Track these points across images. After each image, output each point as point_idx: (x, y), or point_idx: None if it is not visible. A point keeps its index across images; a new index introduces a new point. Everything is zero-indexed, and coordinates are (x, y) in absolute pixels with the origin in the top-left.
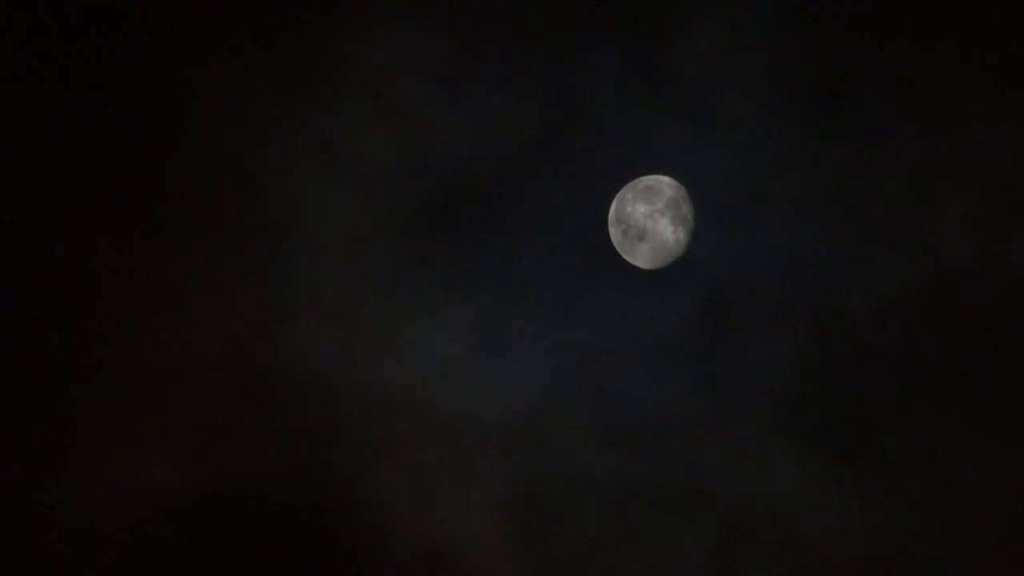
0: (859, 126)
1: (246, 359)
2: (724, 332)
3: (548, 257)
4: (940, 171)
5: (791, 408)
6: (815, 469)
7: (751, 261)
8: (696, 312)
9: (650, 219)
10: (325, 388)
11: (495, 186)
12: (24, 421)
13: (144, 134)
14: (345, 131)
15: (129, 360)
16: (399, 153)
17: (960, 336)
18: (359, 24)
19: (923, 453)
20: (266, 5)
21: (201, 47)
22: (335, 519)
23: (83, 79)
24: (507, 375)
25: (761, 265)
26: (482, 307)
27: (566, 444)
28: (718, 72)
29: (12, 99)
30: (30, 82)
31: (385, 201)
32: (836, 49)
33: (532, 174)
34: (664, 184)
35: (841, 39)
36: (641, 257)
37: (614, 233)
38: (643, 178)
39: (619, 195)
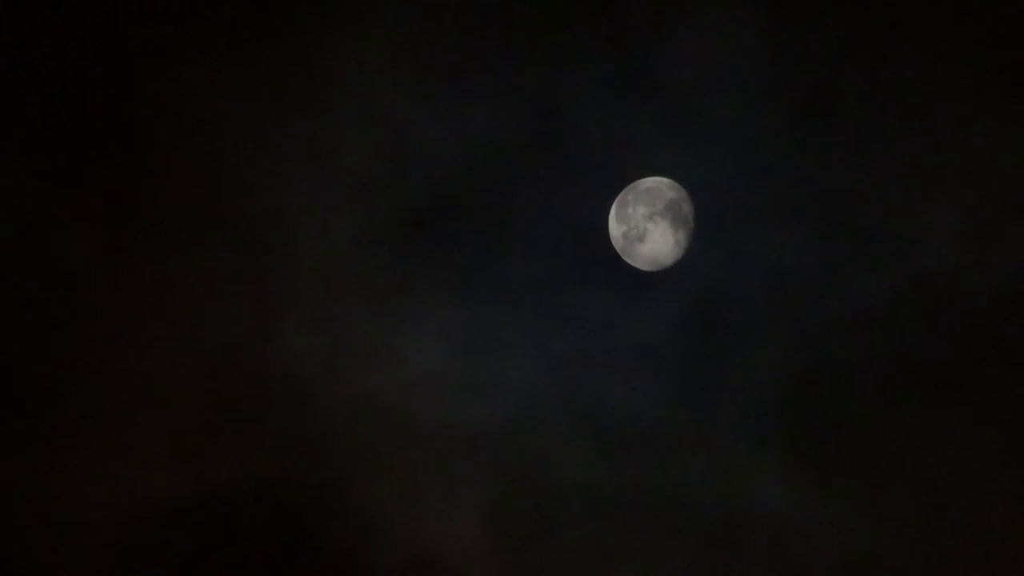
0: (844, 134)
1: (233, 365)
2: (710, 339)
3: (534, 265)
4: (926, 179)
5: (777, 415)
6: (801, 476)
7: (737, 269)
8: (683, 319)
9: (639, 228)
10: (312, 394)
11: (481, 194)
12: (13, 424)
13: (134, 141)
14: (333, 139)
15: (118, 365)
16: (387, 160)
17: (946, 343)
18: (347, 33)
19: (909, 460)
20: (255, 15)
21: (190, 55)
22: (321, 524)
23: (74, 88)
24: (493, 382)
25: (746, 273)
26: (468, 314)
27: (551, 451)
28: (703, 81)
29: (3, 103)
30: (21, 90)
31: (373, 208)
32: (821, 58)
33: (518, 182)
34: (656, 186)
35: (826, 48)
36: (641, 259)
37: (615, 237)
38: (640, 181)
39: (619, 197)
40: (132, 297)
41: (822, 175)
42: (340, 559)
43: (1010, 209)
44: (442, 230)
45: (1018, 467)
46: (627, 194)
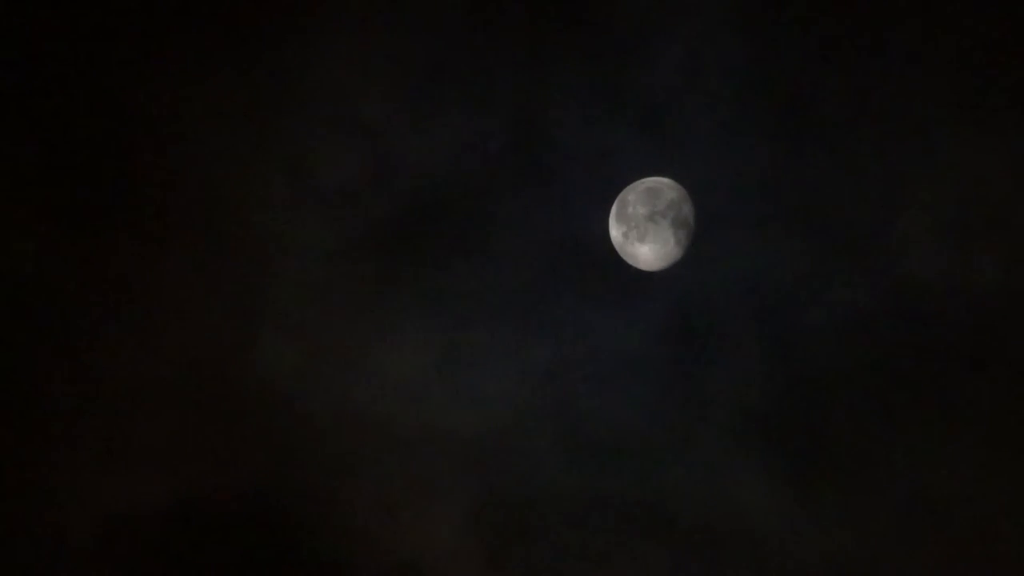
0: (823, 144)
1: (214, 375)
2: (690, 349)
3: (514, 274)
4: (906, 189)
5: (758, 425)
6: (782, 485)
7: (715, 279)
8: (662, 329)
9: (631, 234)
10: (293, 404)
11: (461, 204)
12: None
13: (113, 153)
14: (314, 150)
15: (99, 373)
16: (367, 172)
17: (926, 352)
18: (326, 45)
19: (890, 468)
20: (233, 28)
21: (169, 68)
22: (302, 534)
23: (54, 99)
24: (473, 392)
25: (725, 283)
26: (449, 324)
27: (533, 460)
28: (682, 92)
29: None
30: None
31: (353, 219)
32: (801, 68)
33: (497, 193)
34: (635, 198)
35: (807, 58)
36: (642, 260)
37: (616, 234)
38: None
39: (619, 198)
40: (113, 307)
41: (799, 187)
42: (322, 568)
43: (989, 217)
44: (423, 241)
45: (998, 474)
46: (623, 199)
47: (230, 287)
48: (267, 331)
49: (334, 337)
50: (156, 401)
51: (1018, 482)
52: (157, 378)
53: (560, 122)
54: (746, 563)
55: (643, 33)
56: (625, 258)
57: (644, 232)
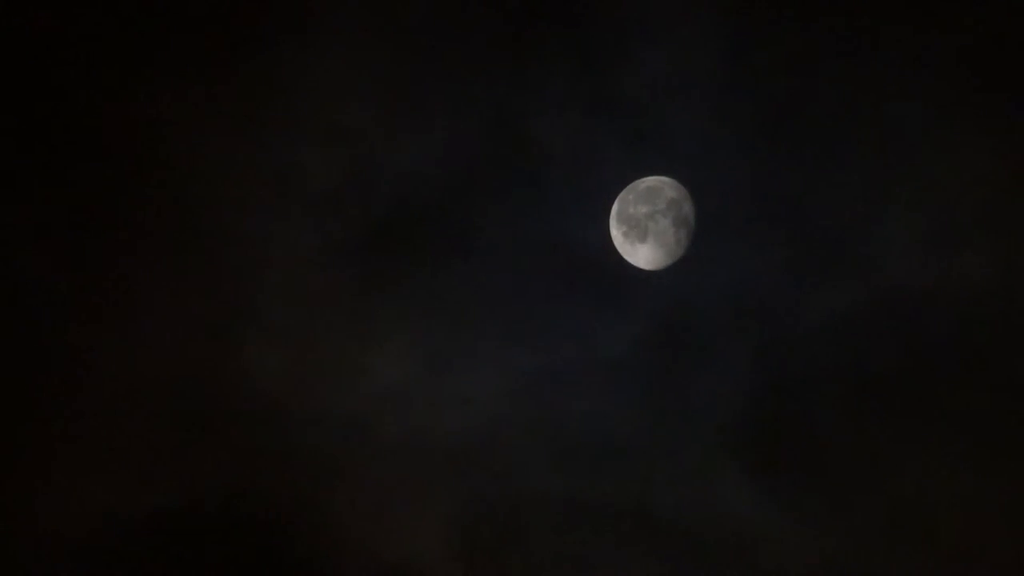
0: (808, 149)
1: (201, 380)
2: (674, 353)
3: (499, 280)
4: (889, 194)
5: (742, 428)
6: (767, 488)
7: (698, 286)
8: (647, 334)
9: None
10: (280, 408)
11: (446, 210)
12: None
13: (101, 160)
14: (299, 157)
15: (85, 379)
16: (351, 178)
17: (909, 356)
18: (312, 52)
19: (873, 472)
20: (220, 36)
21: (159, 76)
22: (290, 537)
23: (43, 106)
24: (459, 397)
25: (708, 290)
26: (434, 329)
27: (519, 464)
28: (666, 98)
29: None
30: None
31: (338, 225)
32: (784, 74)
33: (483, 197)
34: (624, 206)
35: (790, 65)
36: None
37: (616, 234)
38: (633, 186)
39: (619, 197)
40: (100, 313)
41: (783, 193)
42: (308, 571)
43: (971, 223)
44: (408, 247)
45: (980, 477)
46: (622, 208)
47: (216, 293)
48: (253, 336)
49: (320, 342)
50: (143, 406)
51: (1002, 485)
52: (144, 383)
53: (546, 125)
54: (731, 568)
55: (626, 43)
56: (626, 257)
57: (644, 232)
